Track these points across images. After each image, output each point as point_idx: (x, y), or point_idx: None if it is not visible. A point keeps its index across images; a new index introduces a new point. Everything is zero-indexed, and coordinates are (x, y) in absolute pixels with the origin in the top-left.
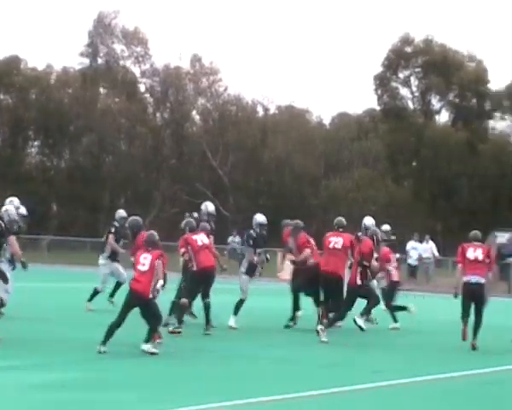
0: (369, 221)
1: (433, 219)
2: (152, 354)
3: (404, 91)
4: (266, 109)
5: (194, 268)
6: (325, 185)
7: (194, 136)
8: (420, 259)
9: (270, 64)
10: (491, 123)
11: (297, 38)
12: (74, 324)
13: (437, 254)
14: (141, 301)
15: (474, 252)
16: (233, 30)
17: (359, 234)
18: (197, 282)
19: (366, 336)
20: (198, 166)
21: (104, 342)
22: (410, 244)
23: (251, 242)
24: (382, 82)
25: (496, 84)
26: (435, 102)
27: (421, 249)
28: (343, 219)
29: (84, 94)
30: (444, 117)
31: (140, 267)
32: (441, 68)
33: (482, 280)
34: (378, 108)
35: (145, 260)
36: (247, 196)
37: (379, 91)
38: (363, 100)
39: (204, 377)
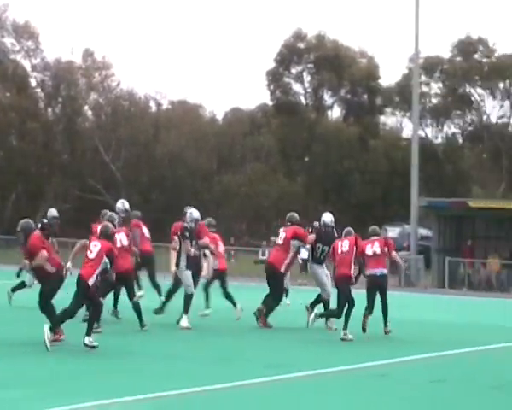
0: (327, 218)
1: None
2: (92, 347)
3: (296, 87)
4: (159, 104)
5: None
6: (218, 180)
7: (86, 131)
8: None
9: (163, 59)
10: (382, 119)
11: (190, 32)
12: None
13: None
14: (82, 286)
15: (372, 247)
16: (126, 24)
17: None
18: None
19: (264, 330)
20: (90, 162)
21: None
22: None
23: (187, 234)
24: (275, 77)
25: (387, 80)
26: (327, 98)
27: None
28: (295, 215)
29: None
30: (336, 113)
31: (88, 254)
32: (333, 64)
33: (385, 271)
34: (271, 103)
35: (94, 247)
36: (140, 192)
37: (271, 87)
38: (255, 95)
39: (88, 374)
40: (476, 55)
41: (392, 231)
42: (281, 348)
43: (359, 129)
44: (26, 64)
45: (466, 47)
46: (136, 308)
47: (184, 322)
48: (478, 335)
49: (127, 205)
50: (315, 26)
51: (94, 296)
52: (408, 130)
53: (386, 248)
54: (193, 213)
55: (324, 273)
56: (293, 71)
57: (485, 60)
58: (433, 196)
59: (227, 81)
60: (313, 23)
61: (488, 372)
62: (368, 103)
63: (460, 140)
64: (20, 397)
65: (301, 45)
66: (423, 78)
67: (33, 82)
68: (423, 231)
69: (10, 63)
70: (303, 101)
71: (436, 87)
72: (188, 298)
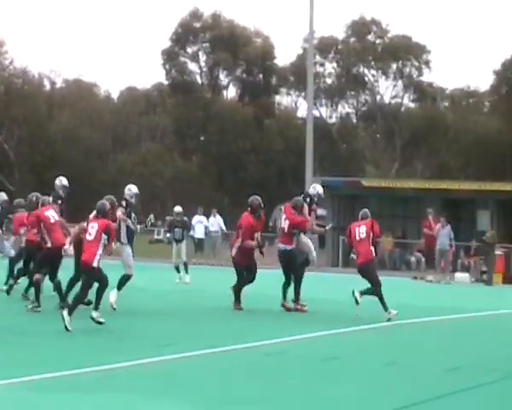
0: (321, 189)
1: (221, 193)
2: (99, 323)
3: (192, 66)
4: (53, 83)
5: (49, 245)
6: (113, 159)
7: None
8: (206, 233)
9: (58, 37)
10: (278, 98)
11: (85, 9)
12: None
13: (224, 228)
14: (89, 272)
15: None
16: (19, 0)
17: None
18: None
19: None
20: None
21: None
22: (196, 218)
23: (127, 209)
24: (170, 56)
25: (282, 60)
26: (223, 78)
27: (209, 223)
28: (257, 198)
29: None
30: (231, 92)
31: (87, 237)
32: (229, 44)
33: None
34: (166, 82)
35: (92, 228)
36: (33, 171)
37: (167, 66)
38: (151, 74)
39: None
40: (370, 36)
41: None
42: (176, 327)
43: (254, 109)
44: None
45: (360, 28)
46: (58, 287)
47: (112, 298)
48: (371, 312)
49: (65, 181)
50: (211, 5)
51: (100, 276)
52: (303, 109)
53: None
54: (131, 188)
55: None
56: (189, 50)
57: (378, 41)
58: (328, 176)
59: (122, 60)
60: (209, 2)
61: (381, 349)
62: (263, 83)
63: (354, 120)
64: None
65: (197, 24)
66: (318, 58)
67: None
68: (318, 211)
69: None
70: (199, 80)
71: (330, 67)
72: (126, 279)
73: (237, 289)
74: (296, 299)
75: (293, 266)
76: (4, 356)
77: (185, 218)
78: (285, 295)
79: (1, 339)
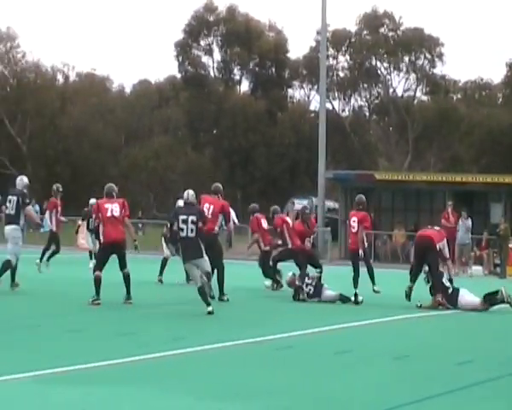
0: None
1: (233, 187)
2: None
3: (205, 59)
4: (66, 77)
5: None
6: (125, 153)
7: None
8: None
9: (71, 30)
10: (290, 92)
11: (97, 3)
12: None
13: (236, 221)
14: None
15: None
16: None
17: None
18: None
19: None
20: None
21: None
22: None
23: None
24: (183, 49)
25: (295, 53)
26: (236, 71)
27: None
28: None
29: None
30: (244, 86)
31: (114, 214)
32: (243, 38)
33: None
34: (179, 75)
35: (116, 207)
36: (46, 165)
37: (180, 59)
38: (164, 67)
39: None
40: (382, 29)
41: (300, 204)
42: (186, 323)
43: (267, 102)
44: None
45: (372, 20)
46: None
47: None
48: (385, 305)
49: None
50: None
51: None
52: (315, 103)
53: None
54: (24, 179)
55: None
56: (203, 43)
57: (391, 33)
58: (340, 169)
59: (135, 53)
60: None
61: (393, 343)
62: (276, 76)
63: (367, 113)
64: None
65: (211, 17)
66: (330, 51)
67: None
68: (330, 204)
69: None
70: (212, 74)
71: (343, 60)
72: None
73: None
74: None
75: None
76: (17, 350)
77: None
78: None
79: (13, 333)
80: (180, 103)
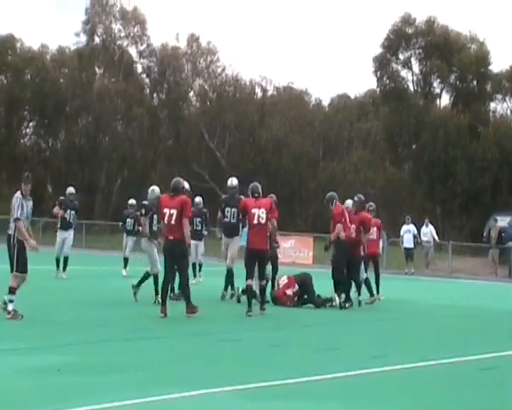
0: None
1: (432, 202)
2: None
3: (404, 73)
4: (264, 90)
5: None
6: (323, 167)
7: (191, 117)
8: (417, 242)
9: (269, 44)
10: (493, 106)
11: (296, 18)
12: (73, 305)
13: (436, 237)
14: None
15: None
16: (231, 9)
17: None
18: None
19: (361, 319)
20: (195, 148)
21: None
22: (404, 228)
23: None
24: (382, 63)
25: (497, 65)
26: (436, 85)
27: (421, 233)
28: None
29: (80, 74)
30: (444, 100)
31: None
32: (442, 50)
33: None
34: (378, 89)
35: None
36: (244, 178)
37: (378, 73)
38: (363, 81)
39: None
40: None
41: (503, 221)
42: (382, 337)
43: (468, 116)
44: (132, 50)
45: None
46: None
47: None
48: None
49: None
50: (424, 10)
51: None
52: None
53: None
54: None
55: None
56: (401, 57)
57: None
58: None
59: (333, 67)
60: (422, 7)
61: None
62: (477, 90)
63: None
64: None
65: (409, 30)
66: None
67: (139, 68)
68: None
69: (117, 49)
70: (411, 87)
71: None
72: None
73: None
74: None
75: None
76: (220, 363)
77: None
78: None
79: (215, 346)
80: (379, 117)
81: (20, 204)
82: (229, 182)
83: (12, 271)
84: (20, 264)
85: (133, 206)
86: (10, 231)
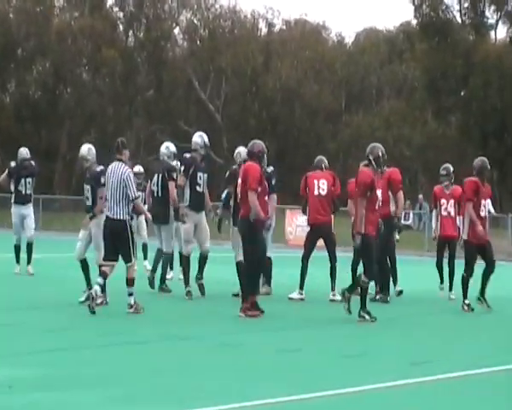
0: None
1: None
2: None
3: (449, 0)
4: (270, 25)
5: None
6: (346, 122)
7: (176, 60)
8: None
9: None
10: None
11: None
12: (28, 304)
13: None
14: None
15: None
16: None
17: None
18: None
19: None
20: (182, 100)
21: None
22: None
23: None
24: None
25: None
26: (490, 14)
27: None
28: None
29: (34, 8)
30: (501, 33)
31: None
32: None
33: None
34: (415, 21)
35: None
36: (245, 138)
37: (416, 1)
38: (395, 12)
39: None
40: None
41: None
42: (423, 338)
43: None
44: None
45: None
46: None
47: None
48: None
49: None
50: None
51: None
52: None
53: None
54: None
55: None
56: None
57: None
58: None
59: None
60: None
61: None
62: None
63: None
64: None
65: None
66: None
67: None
68: None
69: None
70: (458, 18)
71: None
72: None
73: None
74: None
75: None
76: (212, 376)
77: None
78: None
79: (206, 355)
80: (417, 58)
81: None
82: (198, 139)
83: None
84: None
85: (141, 174)
86: None
